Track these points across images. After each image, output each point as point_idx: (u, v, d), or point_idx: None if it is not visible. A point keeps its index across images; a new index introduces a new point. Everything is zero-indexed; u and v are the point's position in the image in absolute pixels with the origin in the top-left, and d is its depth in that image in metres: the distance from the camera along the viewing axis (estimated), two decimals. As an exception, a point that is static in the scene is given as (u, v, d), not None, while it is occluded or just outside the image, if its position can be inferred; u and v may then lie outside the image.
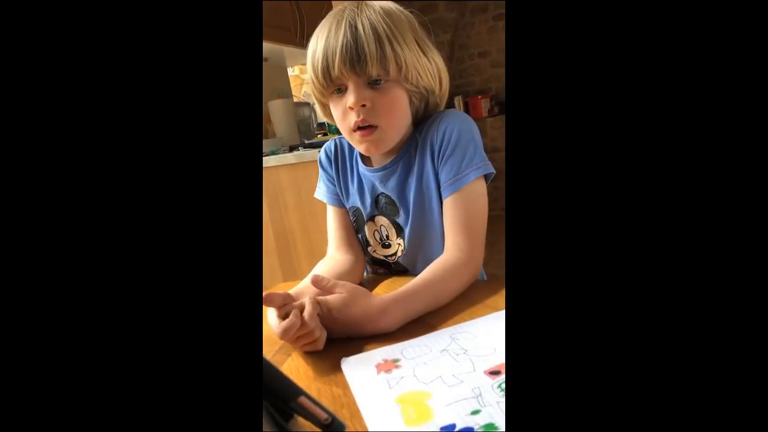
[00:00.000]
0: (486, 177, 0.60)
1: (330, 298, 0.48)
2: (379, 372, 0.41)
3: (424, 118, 0.64)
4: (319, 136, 2.32)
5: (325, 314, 0.47)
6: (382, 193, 0.65)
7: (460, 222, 0.58)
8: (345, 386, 0.40)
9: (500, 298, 0.53)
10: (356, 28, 0.54)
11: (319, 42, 0.56)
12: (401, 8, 0.59)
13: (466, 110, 3.22)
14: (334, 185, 0.70)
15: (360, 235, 0.69)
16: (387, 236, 0.66)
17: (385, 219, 0.65)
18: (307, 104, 2.46)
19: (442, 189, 0.60)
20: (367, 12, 0.55)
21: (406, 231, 0.64)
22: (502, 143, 3.30)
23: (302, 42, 1.88)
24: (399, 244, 0.65)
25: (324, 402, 0.38)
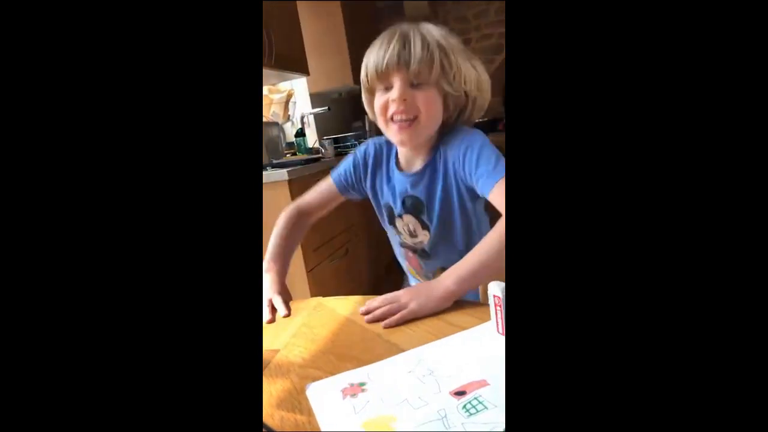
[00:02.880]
0: None
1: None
2: (345, 397, 0.40)
3: (450, 124, 0.73)
4: (288, 155, 2.31)
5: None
6: (410, 195, 0.74)
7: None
8: (310, 413, 0.39)
9: (465, 316, 0.54)
10: (408, 38, 0.65)
11: (374, 50, 0.67)
12: (450, 32, 0.70)
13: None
14: (353, 181, 0.80)
15: (392, 226, 0.81)
16: (414, 230, 0.77)
17: (412, 217, 0.76)
18: (276, 124, 2.45)
19: (482, 188, 0.65)
20: (422, 29, 0.67)
21: (432, 227, 0.74)
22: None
23: (271, 62, 1.88)
24: (425, 235, 0.76)
25: (287, 431, 0.37)
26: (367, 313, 0.57)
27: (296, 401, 0.41)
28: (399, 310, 0.55)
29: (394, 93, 0.65)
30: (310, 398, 0.41)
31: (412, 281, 0.85)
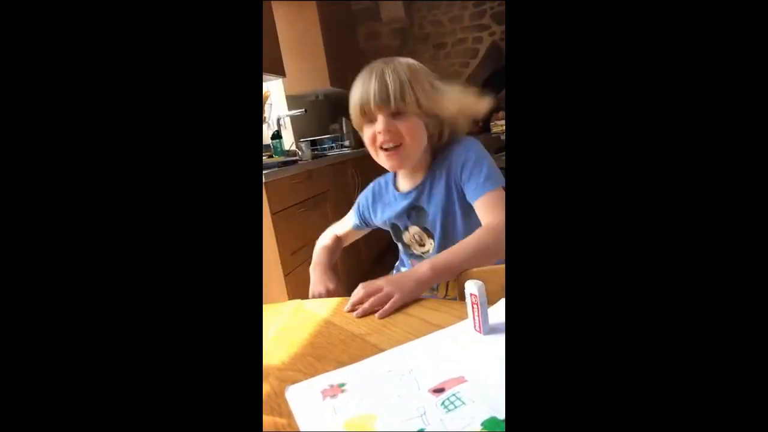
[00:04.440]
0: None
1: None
2: (324, 398, 0.40)
3: (441, 142, 0.81)
4: (264, 158, 2.28)
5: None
6: (414, 206, 0.83)
7: (490, 207, 0.71)
8: (289, 415, 0.39)
9: (442, 315, 0.54)
10: (382, 76, 0.75)
11: (356, 89, 0.78)
12: (417, 63, 0.80)
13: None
14: (366, 223, 0.91)
15: (399, 242, 0.89)
16: (421, 239, 0.85)
17: (417, 228, 0.84)
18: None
19: (471, 196, 0.74)
20: (393, 65, 0.76)
21: (435, 234, 0.81)
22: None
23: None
24: (430, 243, 0.84)
25: (267, 433, 0.37)
26: (353, 308, 0.59)
27: (275, 404, 0.41)
28: (387, 300, 0.57)
29: (379, 125, 0.75)
30: (289, 400, 0.41)
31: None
